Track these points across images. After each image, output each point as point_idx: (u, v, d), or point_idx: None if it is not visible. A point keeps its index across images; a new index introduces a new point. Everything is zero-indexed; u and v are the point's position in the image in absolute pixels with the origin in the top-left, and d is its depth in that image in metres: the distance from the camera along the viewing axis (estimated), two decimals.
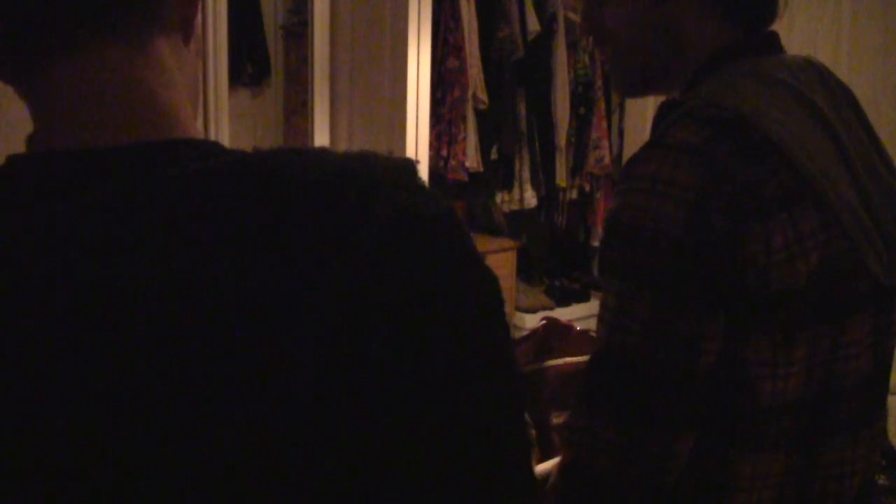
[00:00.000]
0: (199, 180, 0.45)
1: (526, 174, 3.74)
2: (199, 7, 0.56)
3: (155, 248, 0.43)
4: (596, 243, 4.10)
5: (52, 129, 0.49)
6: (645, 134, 1.09)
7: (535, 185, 3.77)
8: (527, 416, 1.43)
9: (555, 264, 4.32)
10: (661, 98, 0.98)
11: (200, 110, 2.65)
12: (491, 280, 0.49)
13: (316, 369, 0.42)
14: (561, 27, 3.71)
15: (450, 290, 0.46)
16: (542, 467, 1.33)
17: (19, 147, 0.51)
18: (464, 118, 3.47)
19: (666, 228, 0.79)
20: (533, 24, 3.60)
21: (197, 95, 0.58)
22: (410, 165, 0.49)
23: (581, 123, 3.85)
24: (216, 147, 0.50)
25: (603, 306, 0.85)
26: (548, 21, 3.68)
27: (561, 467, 0.87)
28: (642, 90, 1.01)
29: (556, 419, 1.40)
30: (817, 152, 0.83)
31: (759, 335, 0.82)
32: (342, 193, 0.45)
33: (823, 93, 0.88)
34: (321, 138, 3.37)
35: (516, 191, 3.74)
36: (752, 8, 0.92)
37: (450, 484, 0.44)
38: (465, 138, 3.50)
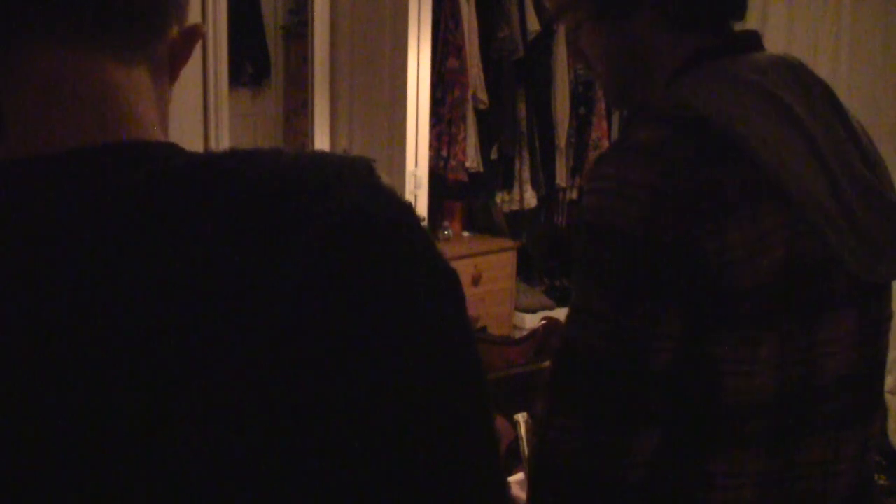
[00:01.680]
0: (149, 183, 0.45)
1: (526, 174, 3.75)
2: (191, 53, 0.55)
3: (95, 253, 0.43)
4: None
5: (21, 130, 0.49)
6: None
7: (535, 185, 3.77)
8: (525, 415, 1.43)
9: (555, 264, 4.33)
10: None
11: (201, 110, 2.65)
12: (447, 279, 0.48)
13: (256, 375, 0.41)
14: (561, 27, 3.71)
15: (397, 290, 0.45)
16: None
17: None
18: (464, 118, 3.47)
19: (621, 227, 0.81)
20: (533, 24, 3.60)
21: (166, 129, 0.57)
22: (364, 164, 0.49)
23: (581, 123, 3.85)
24: (175, 149, 0.49)
25: (570, 302, 0.87)
26: (548, 21, 3.68)
27: (529, 456, 0.88)
28: (623, 104, 1.04)
29: None
30: (785, 150, 0.83)
31: (724, 332, 0.83)
32: (287, 193, 0.44)
33: (798, 90, 0.88)
34: (321, 138, 3.37)
35: (516, 191, 3.75)
36: (707, 14, 0.93)
37: (407, 494, 0.44)
38: (465, 138, 3.50)
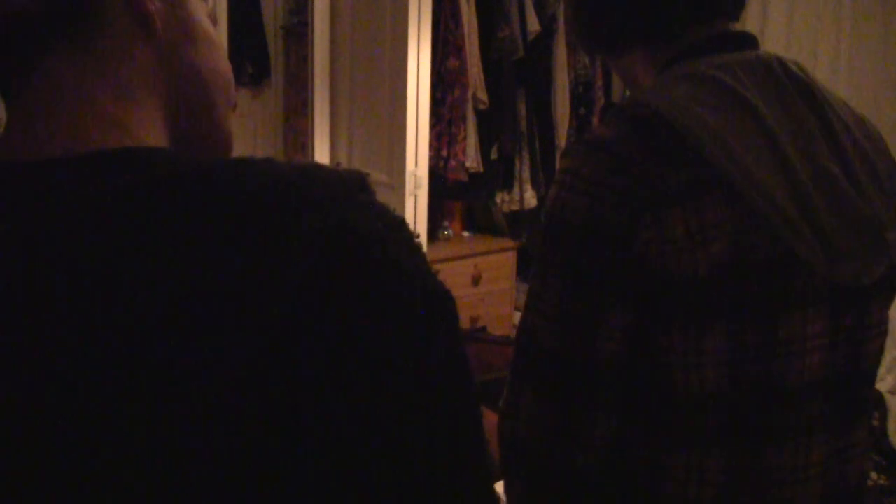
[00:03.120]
0: (132, 193, 0.44)
1: (526, 174, 3.75)
2: (153, 1, 0.53)
3: (76, 264, 0.42)
4: None
5: (9, 140, 0.49)
6: None
7: (535, 185, 3.77)
8: None
9: None
10: None
11: None
12: (437, 296, 0.47)
13: (242, 390, 0.41)
14: (561, 27, 3.71)
15: (379, 307, 0.44)
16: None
17: None
18: (464, 118, 3.47)
19: (570, 218, 0.85)
20: (533, 24, 3.60)
21: (195, 88, 0.56)
22: (357, 179, 0.48)
23: (581, 123, 3.85)
24: (157, 156, 0.49)
25: (528, 288, 0.92)
26: (548, 21, 3.68)
27: (497, 433, 0.93)
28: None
29: None
30: (739, 145, 0.85)
31: (669, 322, 0.84)
32: (274, 207, 0.44)
33: (769, 88, 0.89)
34: (321, 138, 3.37)
35: (516, 191, 3.75)
36: (690, 49, 0.96)
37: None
38: (465, 138, 3.50)
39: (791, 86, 0.90)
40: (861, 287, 0.90)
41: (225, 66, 0.58)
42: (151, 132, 0.52)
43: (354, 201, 0.46)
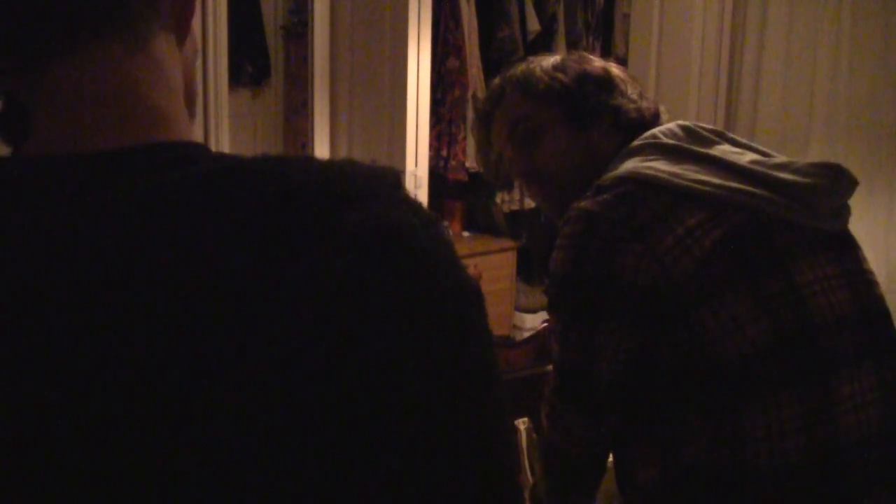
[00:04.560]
0: (175, 189, 0.45)
1: None
2: (195, 7, 0.56)
3: (122, 259, 0.43)
4: None
5: (49, 132, 0.49)
6: None
7: None
8: (526, 420, 1.43)
9: None
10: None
11: (200, 110, 2.65)
12: (470, 294, 0.48)
13: (283, 384, 0.41)
14: (561, 27, 3.71)
15: (418, 303, 0.45)
16: None
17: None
18: (464, 118, 3.47)
19: (562, 272, 1.07)
20: (533, 24, 3.60)
21: (193, 96, 0.59)
22: (392, 175, 0.49)
23: None
24: (202, 152, 0.49)
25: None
26: (548, 21, 3.68)
27: (540, 437, 1.18)
28: (560, 214, 1.22)
29: None
30: (689, 171, 1.07)
31: (694, 309, 1.00)
32: (316, 203, 0.45)
33: (692, 137, 1.15)
34: (321, 138, 3.37)
35: (516, 191, 3.74)
36: (650, 118, 1.23)
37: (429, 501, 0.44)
38: (465, 138, 3.50)
39: (705, 133, 1.16)
40: (844, 234, 1.11)
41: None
42: (188, 130, 0.53)
43: (393, 198, 0.47)
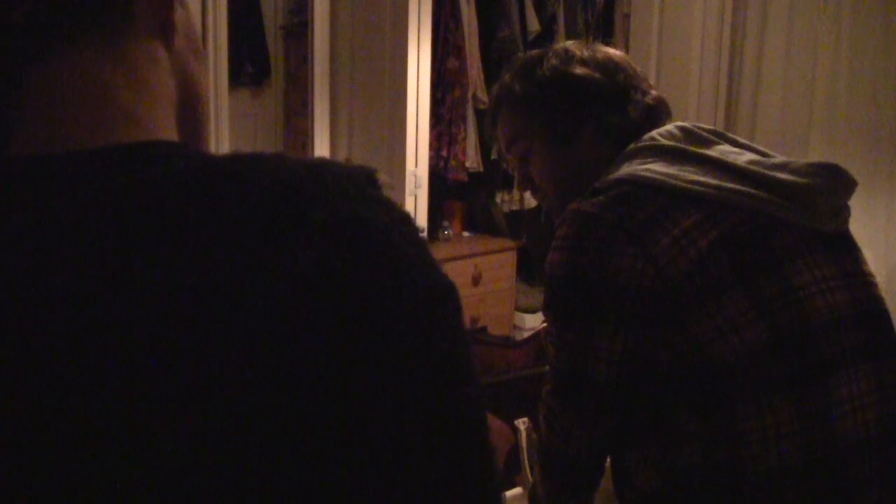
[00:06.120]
0: (137, 190, 0.45)
1: None
2: (177, 9, 0.55)
3: (83, 260, 0.42)
4: None
5: (27, 135, 0.49)
6: None
7: None
8: (526, 420, 1.43)
9: None
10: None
11: None
12: (441, 291, 0.47)
13: (241, 384, 0.41)
14: (561, 27, 3.71)
15: (384, 298, 0.44)
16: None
17: None
18: (464, 118, 3.47)
19: (559, 274, 1.07)
20: (533, 24, 3.60)
21: (194, 96, 0.58)
22: (364, 174, 0.48)
23: None
24: (174, 151, 0.49)
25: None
26: (548, 21, 3.68)
27: (539, 436, 1.19)
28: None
29: None
30: (687, 172, 1.07)
31: (689, 310, 1.01)
32: (285, 199, 0.44)
33: (690, 138, 1.15)
34: (321, 138, 3.37)
35: (516, 191, 3.74)
36: (640, 124, 1.21)
37: None
38: (465, 138, 3.50)
39: (705, 133, 1.16)
40: (843, 234, 1.10)
41: (208, 83, 0.60)
42: (166, 132, 0.53)
43: (363, 196, 0.47)
